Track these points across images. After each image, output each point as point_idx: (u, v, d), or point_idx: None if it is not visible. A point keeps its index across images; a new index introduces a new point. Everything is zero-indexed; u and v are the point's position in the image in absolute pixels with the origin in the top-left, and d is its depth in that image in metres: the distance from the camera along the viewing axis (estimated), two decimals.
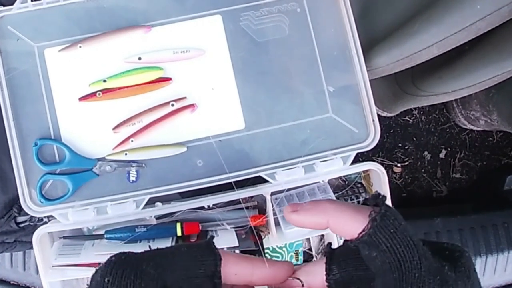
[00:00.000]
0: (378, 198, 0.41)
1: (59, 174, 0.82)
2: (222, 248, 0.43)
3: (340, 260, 0.43)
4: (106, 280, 0.37)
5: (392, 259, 0.37)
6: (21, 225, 0.94)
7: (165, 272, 0.38)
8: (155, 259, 0.39)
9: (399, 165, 1.79)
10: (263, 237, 0.88)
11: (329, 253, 0.44)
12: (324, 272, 0.43)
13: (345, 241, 0.42)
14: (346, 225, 0.41)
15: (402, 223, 0.39)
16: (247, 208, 0.91)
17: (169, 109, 0.82)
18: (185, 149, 0.83)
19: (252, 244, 0.83)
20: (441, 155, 1.83)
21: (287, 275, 0.44)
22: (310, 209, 0.44)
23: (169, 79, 0.83)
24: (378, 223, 0.39)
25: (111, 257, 0.39)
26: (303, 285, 0.44)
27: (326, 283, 0.42)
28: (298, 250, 0.99)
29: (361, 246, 0.40)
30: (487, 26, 0.84)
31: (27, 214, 0.87)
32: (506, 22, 0.83)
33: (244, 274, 0.42)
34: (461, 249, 0.41)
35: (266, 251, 0.89)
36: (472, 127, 1.70)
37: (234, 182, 0.81)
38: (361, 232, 0.39)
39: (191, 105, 0.82)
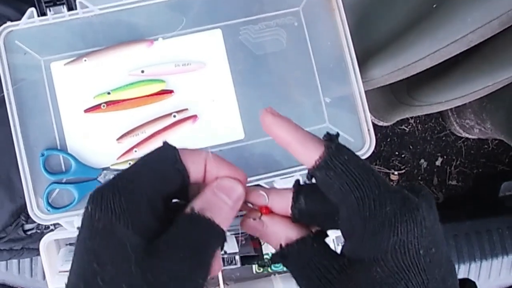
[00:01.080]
0: (332, 135, 0.43)
1: (65, 183, 0.84)
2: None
3: (307, 192, 0.45)
4: (89, 208, 0.38)
5: (350, 179, 0.39)
6: (29, 233, 0.96)
7: (141, 182, 0.40)
8: (125, 174, 0.40)
9: (396, 173, 1.81)
10: (262, 243, 0.90)
11: (297, 186, 0.46)
12: (291, 200, 0.45)
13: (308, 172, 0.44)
14: (306, 151, 0.42)
15: (354, 153, 0.41)
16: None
17: (171, 120, 0.84)
18: None
19: (251, 250, 0.86)
20: (437, 163, 1.85)
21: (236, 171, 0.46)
22: (284, 123, 0.45)
23: (171, 91, 0.85)
24: (333, 151, 0.40)
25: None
26: (262, 212, 0.47)
27: (290, 211, 0.45)
28: None
29: (318, 171, 0.41)
30: (479, 38, 0.86)
31: (34, 222, 0.89)
32: (497, 34, 0.85)
33: (200, 161, 0.43)
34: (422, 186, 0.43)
35: (265, 256, 0.92)
36: (467, 135, 1.73)
37: None
38: (317, 160, 0.41)
39: (193, 116, 0.85)
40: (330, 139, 0.42)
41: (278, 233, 0.45)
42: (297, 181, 0.47)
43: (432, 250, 0.37)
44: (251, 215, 0.47)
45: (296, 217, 0.45)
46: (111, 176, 0.44)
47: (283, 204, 0.46)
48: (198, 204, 0.42)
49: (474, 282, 0.44)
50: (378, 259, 0.37)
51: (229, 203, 0.43)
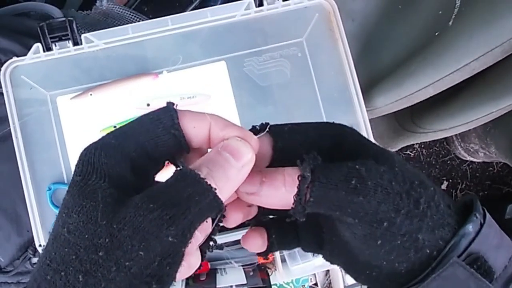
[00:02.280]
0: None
1: None
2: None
3: (287, 128, 0.43)
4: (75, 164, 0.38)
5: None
6: None
7: (127, 141, 0.39)
8: (115, 132, 0.40)
9: None
10: (270, 273, 0.90)
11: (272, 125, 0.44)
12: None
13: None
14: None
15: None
16: None
17: None
18: None
19: (259, 281, 0.85)
20: (443, 187, 1.84)
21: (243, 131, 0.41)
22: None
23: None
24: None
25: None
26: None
27: (273, 151, 0.43)
28: (304, 285, 1.00)
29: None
30: (481, 66, 0.86)
31: None
32: (500, 61, 0.86)
33: (202, 125, 0.41)
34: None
35: (273, 287, 0.91)
36: (472, 158, 1.72)
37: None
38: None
39: None
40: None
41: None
42: (267, 123, 0.44)
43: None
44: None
45: (280, 156, 0.43)
46: None
47: (264, 150, 0.43)
48: (196, 162, 0.38)
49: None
50: None
51: (234, 164, 0.38)
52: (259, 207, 0.47)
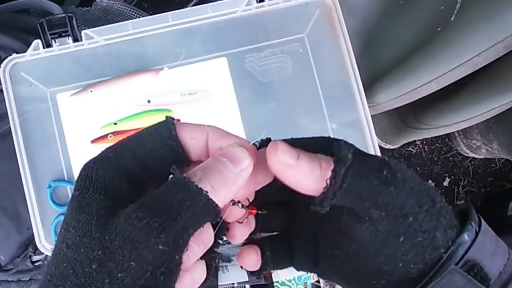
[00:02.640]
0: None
1: None
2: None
3: None
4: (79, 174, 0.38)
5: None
6: (37, 264, 0.96)
7: (125, 154, 0.39)
8: (114, 146, 0.40)
9: None
10: (272, 271, 0.89)
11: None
12: None
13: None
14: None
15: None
16: None
17: None
18: None
19: (261, 279, 0.85)
20: (445, 183, 1.84)
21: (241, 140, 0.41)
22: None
23: (178, 120, 0.85)
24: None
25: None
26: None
27: None
28: (306, 283, 1.00)
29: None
30: (483, 61, 0.86)
31: (42, 253, 0.89)
32: (502, 56, 0.85)
33: (200, 136, 0.41)
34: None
35: (275, 284, 0.91)
36: (474, 155, 1.72)
37: None
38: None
39: None
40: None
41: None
42: (269, 138, 0.44)
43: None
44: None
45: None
46: None
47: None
48: (192, 169, 0.38)
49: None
50: None
51: (231, 169, 0.38)
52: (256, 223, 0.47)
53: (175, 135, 0.40)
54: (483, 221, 0.41)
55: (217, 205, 0.36)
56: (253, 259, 0.48)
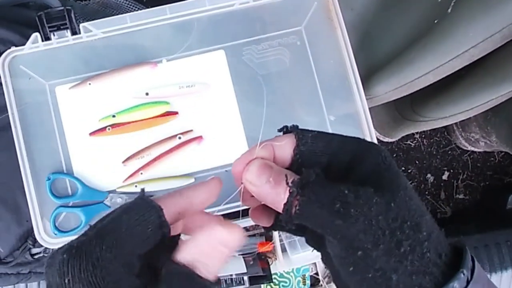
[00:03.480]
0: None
1: (72, 206, 0.84)
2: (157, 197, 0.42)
3: (309, 134, 0.44)
4: (67, 280, 0.36)
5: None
6: (36, 257, 0.96)
7: (119, 249, 0.38)
8: (104, 239, 0.38)
9: None
10: (270, 263, 0.90)
11: (299, 129, 0.45)
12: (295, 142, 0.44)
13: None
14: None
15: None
16: (254, 235, 0.93)
17: (177, 141, 0.85)
18: (193, 180, 0.85)
19: (260, 270, 0.85)
20: (444, 177, 1.84)
21: (219, 183, 0.44)
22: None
23: (175, 113, 0.86)
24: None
25: (62, 253, 0.37)
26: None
27: (293, 153, 0.44)
28: (305, 275, 1.00)
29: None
30: (481, 53, 0.86)
31: (42, 246, 0.90)
32: (499, 47, 0.85)
33: (185, 207, 0.42)
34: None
35: (274, 276, 0.91)
36: (473, 148, 1.72)
37: (241, 210, 0.83)
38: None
39: (198, 137, 0.85)
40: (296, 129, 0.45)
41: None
42: (296, 126, 0.46)
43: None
44: None
45: (299, 159, 0.43)
46: (118, 199, 0.42)
47: (286, 150, 0.44)
48: (189, 255, 0.39)
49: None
50: None
51: (227, 252, 0.40)
52: None
53: (164, 220, 0.40)
54: (476, 267, 0.40)
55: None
56: (266, 215, 0.49)
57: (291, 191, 0.39)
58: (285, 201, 0.39)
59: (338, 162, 0.43)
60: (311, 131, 0.45)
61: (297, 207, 0.39)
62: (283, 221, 0.40)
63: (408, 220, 0.38)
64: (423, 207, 0.41)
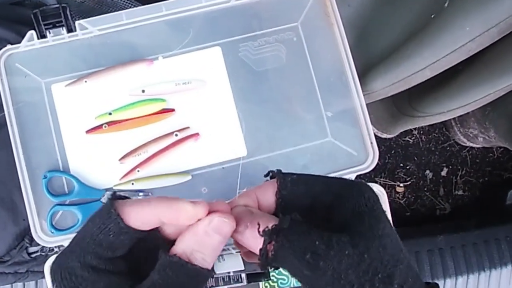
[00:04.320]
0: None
1: (68, 205, 0.84)
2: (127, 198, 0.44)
3: (291, 180, 0.45)
4: (55, 286, 0.40)
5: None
6: (33, 255, 0.96)
7: (87, 257, 0.40)
8: (75, 249, 0.41)
9: (401, 185, 1.80)
10: None
11: (281, 174, 0.46)
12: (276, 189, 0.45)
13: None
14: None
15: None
16: None
17: (173, 139, 0.84)
18: (190, 177, 0.85)
19: (257, 267, 0.85)
20: (443, 173, 1.84)
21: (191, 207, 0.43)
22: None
23: (172, 110, 0.85)
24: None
25: (52, 262, 0.41)
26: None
27: (275, 198, 0.45)
28: None
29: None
30: (478, 47, 0.86)
31: (39, 245, 0.90)
32: (496, 42, 0.85)
33: (170, 219, 0.42)
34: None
35: (272, 273, 0.91)
36: (471, 144, 1.72)
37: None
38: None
39: (194, 135, 0.85)
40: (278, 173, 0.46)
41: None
42: (279, 170, 0.47)
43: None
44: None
45: (282, 203, 0.45)
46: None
47: (269, 195, 0.45)
48: (184, 245, 0.41)
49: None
50: None
51: (221, 239, 0.42)
52: None
53: (124, 226, 0.41)
54: None
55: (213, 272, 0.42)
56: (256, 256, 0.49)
57: (263, 238, 0.41)
58: (261, 246, 0.41)
59: (321, 203, 0.44)
60: (293, 174, 0.46)
61: (272, 252, 0.40)
62: (261, 264, 0.42)
63: (380, 272, 0.39)
64: (400, 254, 0.40)
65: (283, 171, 0.47)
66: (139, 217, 0.41)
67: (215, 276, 0.83)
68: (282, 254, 0.40)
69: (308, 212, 0.43)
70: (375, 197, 0.43)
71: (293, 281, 0.97)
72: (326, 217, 0.43)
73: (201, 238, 0.41)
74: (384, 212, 0.43)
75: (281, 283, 0.93)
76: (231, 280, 0.84)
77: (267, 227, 0.41)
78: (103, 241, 0.40)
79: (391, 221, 0.43)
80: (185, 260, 0.40)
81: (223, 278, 0.84)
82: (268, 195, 0.45)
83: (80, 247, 0.41)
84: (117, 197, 0.43)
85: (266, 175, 0.48)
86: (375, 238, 0.40)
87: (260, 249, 0.41)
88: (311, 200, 0.45)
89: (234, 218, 0.43)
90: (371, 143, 0.87)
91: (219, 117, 0.87)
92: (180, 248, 0.41)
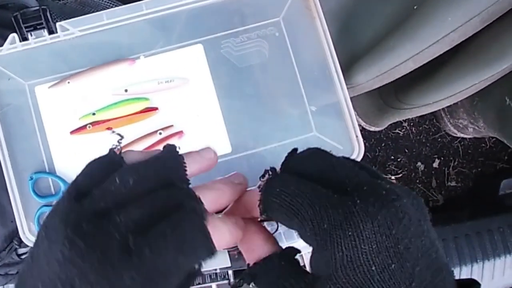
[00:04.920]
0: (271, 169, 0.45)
1: None
2: None
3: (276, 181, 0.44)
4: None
5: (288, 207, 0.40)
6: (23, 257, 0.96)
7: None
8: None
9: (393, 177, 1.79)
10: None
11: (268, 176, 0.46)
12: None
13: None
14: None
15: (291, 174, 0.43)
16: None
17: (157, 137, 0.85)
18: None
19: (244, 264, 0.85)
20: (435, 165, 1.84)
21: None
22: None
23: (155, 108, 0.85)
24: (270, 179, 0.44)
25: None
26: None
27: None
28: None
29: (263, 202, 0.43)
30: (460, 37, 0.86)
31: (28, 246, 0.90)
32: (480, 31, 0.85)
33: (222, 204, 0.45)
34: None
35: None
36: (462, 135, 1.72)
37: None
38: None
39: (178, 133, 0.85)
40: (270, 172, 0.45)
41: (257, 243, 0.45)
42: (273, 169, 0.46)
43: (392, 266, 0.34)
44: None
45: (265, 208, 0.43)
46: None
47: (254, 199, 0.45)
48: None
49: (478, 283, 0.41)
50: (331, 275, 0.35)
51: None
52: None
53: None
54: None
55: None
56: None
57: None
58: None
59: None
60: (278, 180, 0.43)
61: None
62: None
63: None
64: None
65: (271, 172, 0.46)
66: (217, 204, 0.44)
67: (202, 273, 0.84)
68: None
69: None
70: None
71: None
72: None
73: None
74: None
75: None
76: (218, 277, 0.84)
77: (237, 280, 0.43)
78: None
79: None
80: None
81: (210, 276, 0.84)
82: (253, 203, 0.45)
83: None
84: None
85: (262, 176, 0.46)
86: None
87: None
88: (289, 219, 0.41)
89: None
90: (356, 136, 0.87)
91: (202, 115, 0.87)
92: None
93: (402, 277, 0.34)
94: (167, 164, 0.42)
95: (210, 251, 0.38)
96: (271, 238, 0.46)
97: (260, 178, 0.46)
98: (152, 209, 0.38)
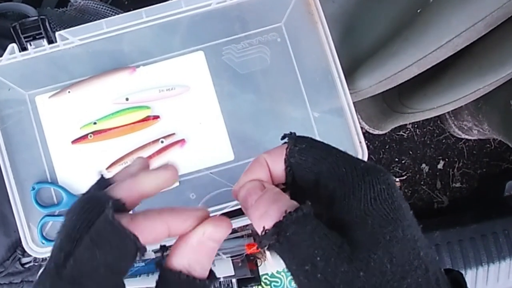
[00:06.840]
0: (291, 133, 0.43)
1: (58, 215, 0.84)
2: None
3: (299, 148, 0.41)
4: None
5: (317, 154, 0.40)
6: (26, 266, 0.96)
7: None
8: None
9: (397, 179, 1.78)
10: (259, 263, 0.89)
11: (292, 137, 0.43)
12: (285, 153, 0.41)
13: None
14: (275, 154, 0.42)
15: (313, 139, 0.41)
16: (242, 236, 0.92)
17: (159, 145, 0.84)
18: (177, 183, 0.85)
19: (248, 272, 0.85)
20: (439, 166, 1.82)
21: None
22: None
23: (157, 117, 0.85)
24: (294, 140, 0.41)
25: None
26: None
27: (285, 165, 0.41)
28: None
29: (292, 158, 0.41)
30: (464, 42, 0.85)
31: (31, 255, 0.89)
32: (484, 36, 0.84)
33: (161, 233, 0.40)
34: None
35: (264, 276, 0.91)
36: (466, 136, 1.71)
37: (227, 212, 0.83)
38: (287, 149, 0.41)
39: (180, 141, 0.84)
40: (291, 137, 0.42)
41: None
42: (293, 133, 0.43)
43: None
44: None
45: (290, 172, 0.41)
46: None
47: (279, 162, 0.41)
48: (184, 259, 0.39)
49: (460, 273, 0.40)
50: (367, 211, 0.36)
51: (216, 246, 0.40)
52: None
53: (142, 247, 0.38)
54: None
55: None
56: None
57: (264, 237, 0.36)
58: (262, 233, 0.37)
59: (324, 187, 0.39)
60: (306, 141, 0.41)
61: (272, 246, 0.36)
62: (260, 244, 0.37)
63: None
64: (415, 261, 0.35)
65: (298, 134, 0.43)
66: (153, 233, 0.39)
67: None
68: (282, 254, 0.36)
69: (313, 190, 0.40)
70: (391, 189, 0.38)
71: (287, 283, 0.97)
72: (328, 203, 0.38)
73: (198, 248, 0.39)
74: (400, 207, 0.37)
75: (274, 285, 0.92)
76: (222, 286, 0.84)
77: (266, 229, 0.36)
78: (120, 268, 0.38)
79: (411, 215, 0.38)
80: (186, 274, 0.38)
81: (214, 285, 0.84)
82: (278, 162, 0.41)
83: (95, 283, 0.36)
84: (119, 208, 0.40)
85: (282, 138, 0.43)
86: (377, 247, 0.34)
87: (260, 242, 0.36)
88: (315, 178, 0.39)
89: (245, 196, 0.40)
90: (360, 142, 0.86)
91: (204, 122, 0.86)
92: (179, 263, 0.38)
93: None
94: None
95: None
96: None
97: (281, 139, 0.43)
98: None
